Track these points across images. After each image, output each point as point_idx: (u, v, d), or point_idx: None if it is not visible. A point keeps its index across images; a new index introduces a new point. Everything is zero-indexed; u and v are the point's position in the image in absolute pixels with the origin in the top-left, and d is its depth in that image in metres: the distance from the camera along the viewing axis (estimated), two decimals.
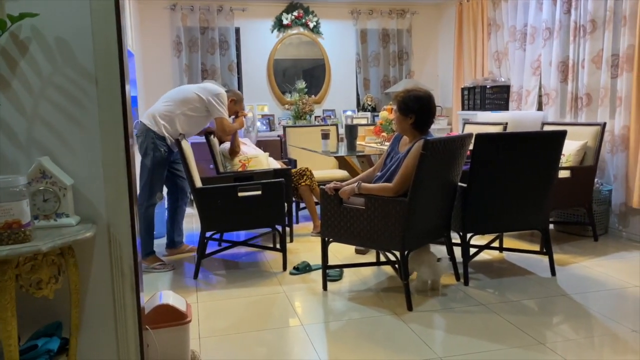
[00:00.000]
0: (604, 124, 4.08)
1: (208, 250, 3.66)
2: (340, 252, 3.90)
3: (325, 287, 3.22)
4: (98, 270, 1.82)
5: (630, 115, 3.98)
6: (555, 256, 3.51)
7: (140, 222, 3.24)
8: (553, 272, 3.37)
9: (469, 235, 3.29)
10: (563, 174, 3.87)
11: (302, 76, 6.58)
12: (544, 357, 2.34)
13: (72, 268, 1.69)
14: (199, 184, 3.53)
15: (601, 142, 4.07)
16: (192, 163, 3.56)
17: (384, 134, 4.35)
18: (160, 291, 2.36)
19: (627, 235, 4.16)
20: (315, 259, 3.66)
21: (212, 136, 4.19)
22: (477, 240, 3.75)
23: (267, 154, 4.57)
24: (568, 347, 2.42)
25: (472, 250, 3.40)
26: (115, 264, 1.81)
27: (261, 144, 5.53)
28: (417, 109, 2.96)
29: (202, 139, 4.25)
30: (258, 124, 6.15)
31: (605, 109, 4.23)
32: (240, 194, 3.46)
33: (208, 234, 3.56)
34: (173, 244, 4.03)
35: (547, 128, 4.41)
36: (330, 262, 3.31)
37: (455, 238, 3.33)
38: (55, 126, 1.74)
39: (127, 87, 1.80)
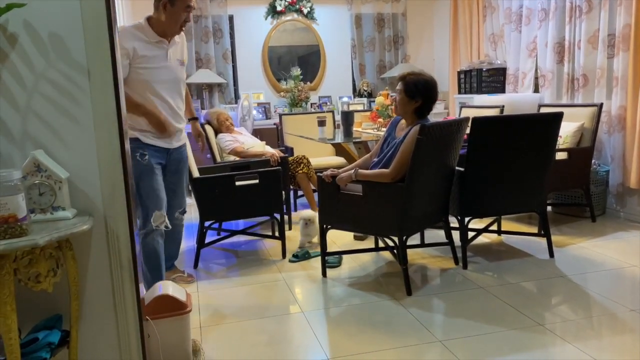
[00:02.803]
0: (601, 105, 4.07)
1: (207, 240, 3.66)
2: (339, 238, 3.90)
3: (324, 274, 3.24)
4: (96, 262, 1.81)
5: (627, 95, 3.97)
6: (553, 238, 3.52)
7: (142, 254, 2.67)
8: (551, 254, 3.38)
9: (467, 219, 3.29)
10: (560, 155, 3.86)
11: (297, 63, 6.54)
12: (543, 338, 2.36)
13: (70, 261, 1.69)
14: (196, 174, 3.52)
15: (598, 123, 4.06)
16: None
17: (380, 119, 4.34)
18: (160, 282, 2.36)
19: (625, 216, 4.17)
20: (314, 246, 3.68)
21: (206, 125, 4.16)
22: (475, 223, 3.75)
23: (264, 142, 4.56)
24: (567, 328, 2.44)
25: (471, 234, 3.41)
26: (114, 256, 1.81)
27: (257, 133, 5.52)
28: (425, 94, 2.94)
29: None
30: (254, 112, 6.13)
31: (601, 89, 4.22)
32: (237, 183, 3.46)
33: (207, 224, 3.56)
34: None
35: (543, 110, 4.40)
36: (329, 249, 3.32)
37: (454, 222, 3.34)
38: (49, 119, 1.72)
39: (120, 78, 1.78)
